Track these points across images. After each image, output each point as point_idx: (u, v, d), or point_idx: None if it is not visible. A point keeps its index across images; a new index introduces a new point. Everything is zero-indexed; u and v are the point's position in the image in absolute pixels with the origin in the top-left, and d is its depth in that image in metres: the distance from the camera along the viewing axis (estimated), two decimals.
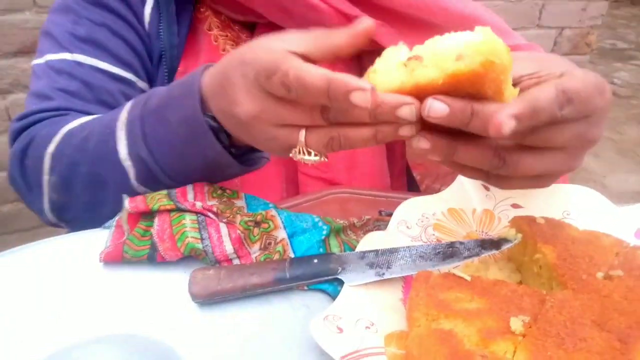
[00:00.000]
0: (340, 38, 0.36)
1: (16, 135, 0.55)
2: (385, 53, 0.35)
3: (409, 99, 0.32)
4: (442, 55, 0.31)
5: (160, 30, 0.61)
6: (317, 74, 0.33)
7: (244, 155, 0.47)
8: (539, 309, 0.33)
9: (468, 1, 0.61)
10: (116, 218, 0.46)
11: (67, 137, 0.51)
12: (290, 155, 0.38)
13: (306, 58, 0.35)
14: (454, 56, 0.30)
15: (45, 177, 0.51)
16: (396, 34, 0.58)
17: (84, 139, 0.49)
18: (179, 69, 0.62)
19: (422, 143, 0.34)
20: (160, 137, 0.45)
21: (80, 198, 0.51)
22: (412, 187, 0.70)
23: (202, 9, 0.63)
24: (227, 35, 0.63)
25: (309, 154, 0.37)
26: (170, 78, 0.62)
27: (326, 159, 0.37)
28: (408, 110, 0.32)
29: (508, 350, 0.30)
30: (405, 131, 0.34)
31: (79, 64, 0.57)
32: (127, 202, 0.45)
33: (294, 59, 0.34)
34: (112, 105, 0.56)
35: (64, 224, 0.55)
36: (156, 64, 0.63)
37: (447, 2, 0.60)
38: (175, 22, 0.61)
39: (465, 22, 0.59)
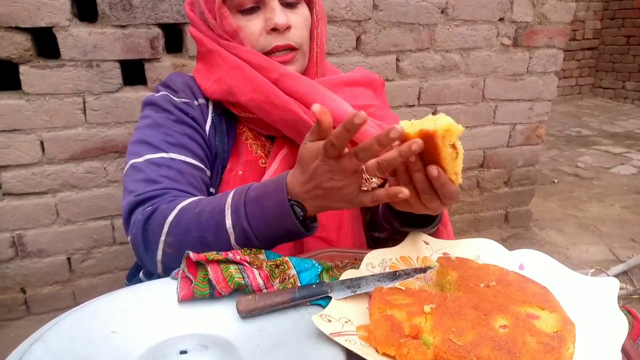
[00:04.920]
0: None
1: (133, 207, 0.77)
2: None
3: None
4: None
5: (216, 141, 0.91)
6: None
7: (306, 225, 0.72)
8: (442, 302, 0.58)
9: (349, 106, 0.89)
10: (176, 270, 0.71)
11: (183, 211, 0.74)
12: (364, 188, 0.65)
13: None
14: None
15: (162, 238, 0.73)
16: None
17: (197, 214, 0.73)
18: (227, 166, 0.91)
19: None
20: (257, 216, 0.70)
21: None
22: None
23: (241, 127, 0.94)
24: (257, 143, 0.93)
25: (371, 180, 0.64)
26: (222, 172, 0.90)
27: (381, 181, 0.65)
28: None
29: (422, 322, 0.55)
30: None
31: (173, 159, 0.84)
32: (192, 254, 0.69)
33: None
34: (196, 186, 0.82)
35: (166, 274, 0.75)
36: (212, 162, 0.91)
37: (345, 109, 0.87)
38: (225, 135, 0.91)
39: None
